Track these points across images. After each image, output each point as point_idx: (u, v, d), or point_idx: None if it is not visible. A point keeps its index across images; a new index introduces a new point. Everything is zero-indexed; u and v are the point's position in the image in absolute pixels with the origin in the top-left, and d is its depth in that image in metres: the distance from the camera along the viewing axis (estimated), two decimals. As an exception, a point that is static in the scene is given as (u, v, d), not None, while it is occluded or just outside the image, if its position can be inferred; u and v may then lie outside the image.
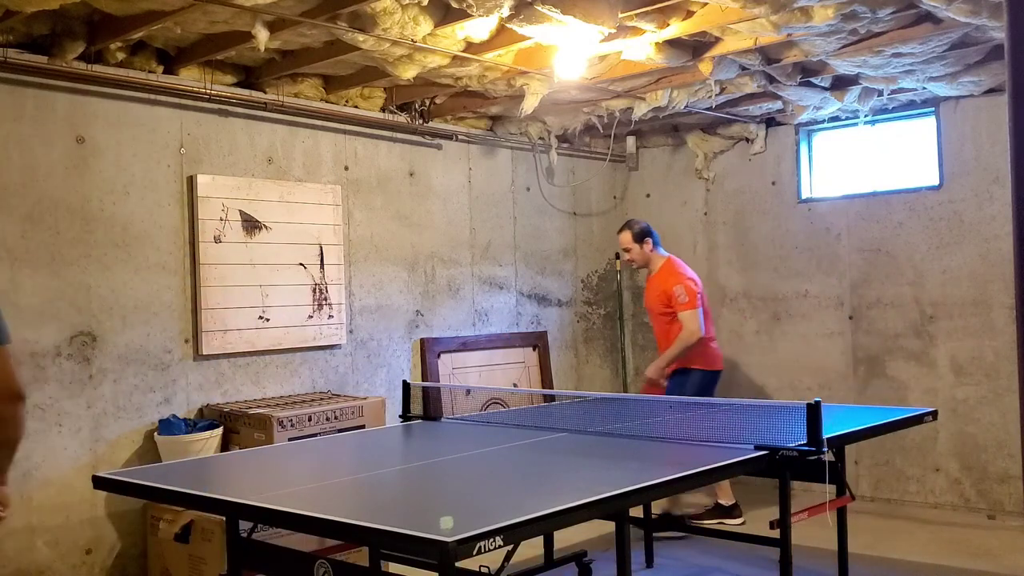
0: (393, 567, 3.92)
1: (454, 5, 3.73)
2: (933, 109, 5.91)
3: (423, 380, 5.75)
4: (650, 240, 5.60)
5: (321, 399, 4.95)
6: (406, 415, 4.68)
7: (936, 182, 5.93)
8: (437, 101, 5.67)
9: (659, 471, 3.15)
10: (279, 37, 4.20)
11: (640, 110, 5.56)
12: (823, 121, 6.29)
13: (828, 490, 3.89)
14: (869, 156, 6.30)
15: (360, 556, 3.97)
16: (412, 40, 4.18)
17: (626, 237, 5.63)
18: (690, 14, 4.10)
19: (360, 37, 4.10)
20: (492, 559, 2.63)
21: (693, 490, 4.82)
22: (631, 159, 7.23)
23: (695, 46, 4.59)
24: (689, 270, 5.62)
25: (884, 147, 6.26)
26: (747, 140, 6.69)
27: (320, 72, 5.07)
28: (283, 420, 4.42)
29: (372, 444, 4.21)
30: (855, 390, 6.21)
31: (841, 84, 5.42)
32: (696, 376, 5.38)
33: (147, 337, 4.58)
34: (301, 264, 5.18)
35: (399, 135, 5.76)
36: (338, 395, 5.14)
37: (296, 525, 2.77)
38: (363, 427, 4.73)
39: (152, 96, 4.64)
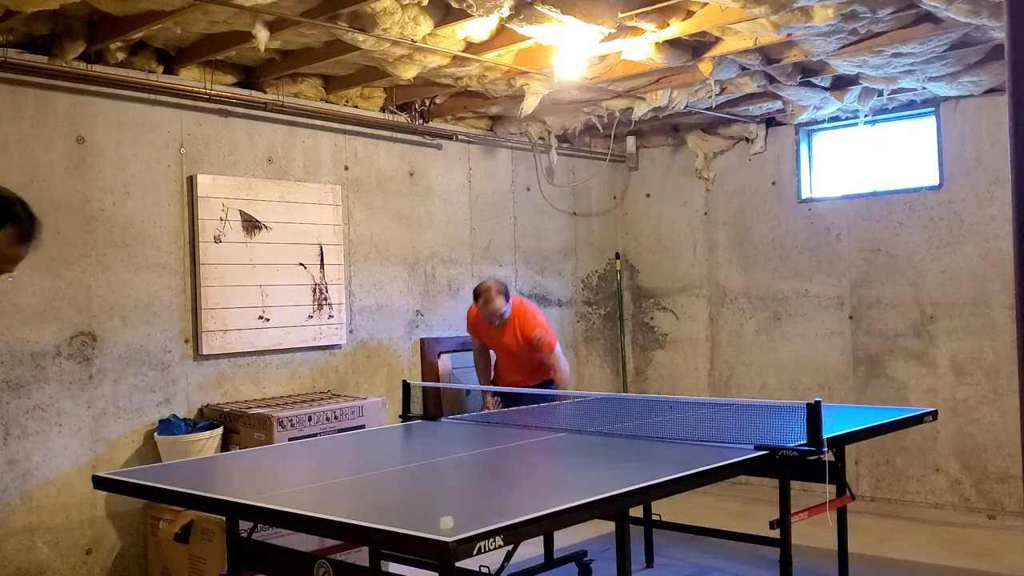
0: (393, 567, 3.92)
1: (454, 5, 3.73)
2: (933, 109, 5.91)
3: (423, 380, 5.75)
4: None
5: (321, 399, 4.95)
6: (406, 415, 4.68)
7: (936, 182, 5.92)
8: (437, 101, 5.67)
9: (659, 471, 3.14)
10: (279, 37, 4.20)
11: (640, 110, 5.56)
12: (823, 121, 6.29)
13: (828, 490, 3.89)
14: (869, 156, 6.30)
15: (360, 556, 3.98)
16: (412, 40, 4.18)
17: (500, 301, 5.37)
18: (690, 14, 4.10)
19: (360, 37, 4.10)
20: (492, 559, 2.64)
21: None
22: (631, 159, 7.23)
23: (695, 46, 4.59)
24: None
25: (884, 147, 6.26)
26: (747, 140, 6.69)
27: (320, 72, 5.07)
28: (283, 420, 4.42)
29: (372, 444, 4.21)
30: (855, 390, 6.21)
31: (841, 84, 5.42)
32: None
33: (147, 337, 4.58)
34: (301, 264, 5.18)
35: (399, 135, 5.76)
36: (338, 395, 5.14)
37: (296, 525, 2.77)
38: (363, 427, 4.72)
39: (152, 96, 4.63)
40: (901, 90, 5.53)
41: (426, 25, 4.06)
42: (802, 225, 6.47)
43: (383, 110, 5.60)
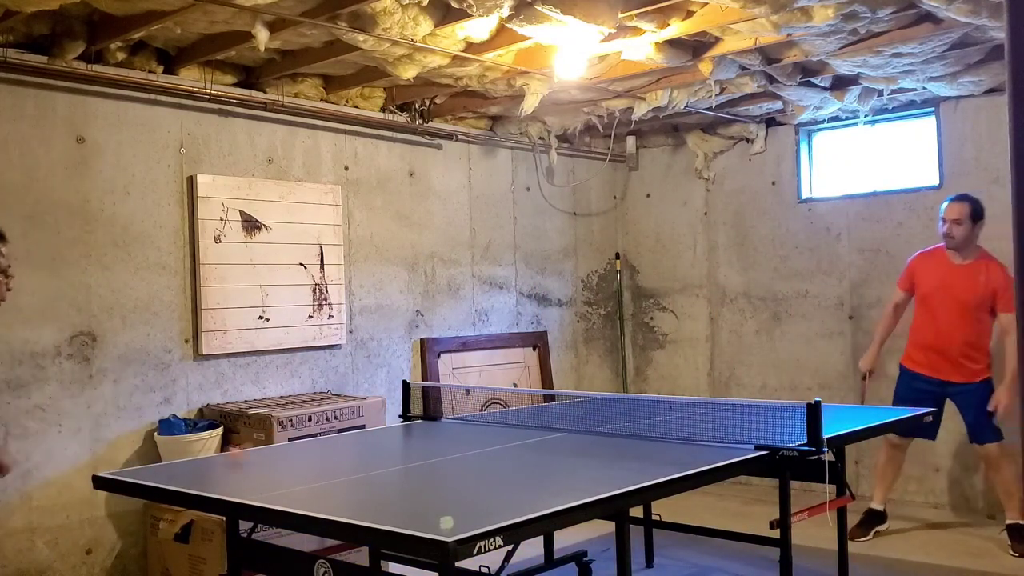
0: (393, 567, 3.92)
1: (454, 5, 3.73)
2: (933, 109, 5.91)
3: (423, 380, 5.75)
4: (981, 224, 5.14)
5: (321, 399, 4.95)
6: (406, 415, 4.68)
7: (936, 182, 5.92)
8: (437, 101, 5.67)
9: (659, 471, 3.14)
10: (279, 37, 4.20)
11: (640, 110, 5.56)
12: (823, 121, 6.29)
13: (828, 490, 3.88)
14: (869, 156, 6.30)
15: (360, 556, 3.98)
16: (412, 40, 4.18)
17: (963, 210, 5.06)
18: (690, 14, 4.11)
19: (360, 37, 4.10)
20: (492, 559, 2.63)
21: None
22: (631, 159, 7.23)
23: (695, 46, 4.59)
24: None
25: (884, 147, 6.26)
26: (747, 140, 6.69)
27: (320, 72, 5.07)
28: (283, 420, 4.42)
29: (372, 444, 4.21)
30: (855, 390, 6.21)
31: (841, 84, 5.42)
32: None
33: (147, 337, 4.58)
34: (301, 264, 5.18)
35: (399, 135, 5.76)
36: (338, 395, 5.14)
37: (296, 525, 2.77)
38: (363, 427, 4.72)
39: (152, 96, 4.64)
40: (901, 90, 5.53)
41: (426, 25, 4.06)
42: (802, 225, 6.47)
43: (383, 110, 5.60)
